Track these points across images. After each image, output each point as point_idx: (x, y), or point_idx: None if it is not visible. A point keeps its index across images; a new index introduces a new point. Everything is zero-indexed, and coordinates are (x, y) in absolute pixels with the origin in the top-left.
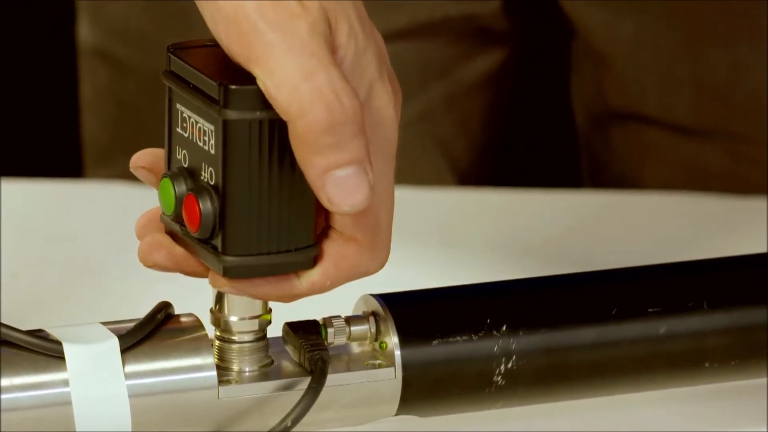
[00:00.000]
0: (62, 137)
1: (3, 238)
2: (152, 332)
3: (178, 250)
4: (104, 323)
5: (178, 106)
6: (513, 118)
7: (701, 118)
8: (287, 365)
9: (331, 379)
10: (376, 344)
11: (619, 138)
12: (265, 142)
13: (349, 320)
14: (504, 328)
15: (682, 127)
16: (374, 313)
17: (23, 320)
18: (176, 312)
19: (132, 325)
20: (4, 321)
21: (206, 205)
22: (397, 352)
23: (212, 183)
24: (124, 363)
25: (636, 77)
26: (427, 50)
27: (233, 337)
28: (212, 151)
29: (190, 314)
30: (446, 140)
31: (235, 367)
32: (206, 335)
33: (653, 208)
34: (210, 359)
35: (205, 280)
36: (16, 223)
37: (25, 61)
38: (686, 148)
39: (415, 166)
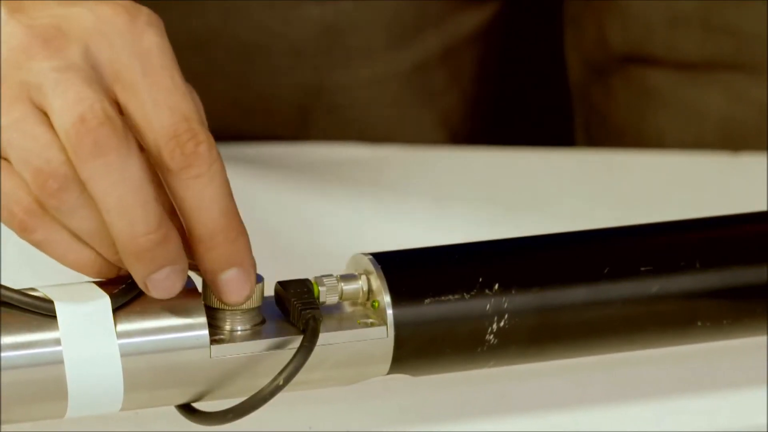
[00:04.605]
0: None
1: None
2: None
3: None
4: (96, 282)
5: None
6: (506, 71)
7: (707, 52)
8: (279, 324)
9: (323, 337)
10: (369, 303)
11: (620, 85)
12: None
13: (341, 279)
14: (496, 286)
15: (688, 64)
16: (366, 272)
17: (16, 279)
18: None
19: (124, 284)
20: None
21: None
22: (390, 311)
23: None
24: (115, 322)
25: (642, 15)
26: (422, 2)
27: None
28: None
29: None
30: (439, 93)
31: (227, 326)
32: (198, 294)
33: (647, 167)
34: (202, 318)
35: None
36: None
37: None
38: (688, 89)
39: (407, 118)
